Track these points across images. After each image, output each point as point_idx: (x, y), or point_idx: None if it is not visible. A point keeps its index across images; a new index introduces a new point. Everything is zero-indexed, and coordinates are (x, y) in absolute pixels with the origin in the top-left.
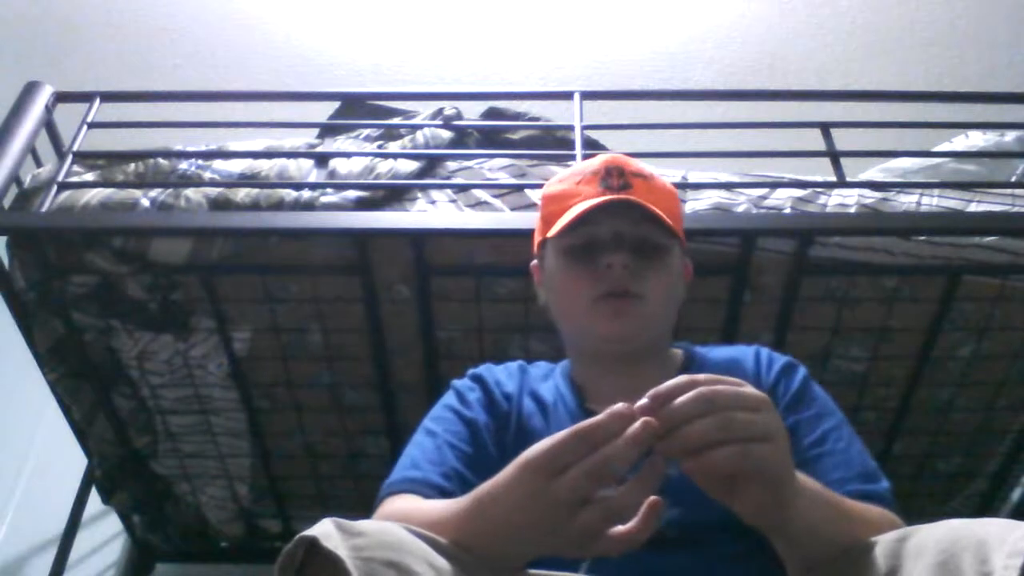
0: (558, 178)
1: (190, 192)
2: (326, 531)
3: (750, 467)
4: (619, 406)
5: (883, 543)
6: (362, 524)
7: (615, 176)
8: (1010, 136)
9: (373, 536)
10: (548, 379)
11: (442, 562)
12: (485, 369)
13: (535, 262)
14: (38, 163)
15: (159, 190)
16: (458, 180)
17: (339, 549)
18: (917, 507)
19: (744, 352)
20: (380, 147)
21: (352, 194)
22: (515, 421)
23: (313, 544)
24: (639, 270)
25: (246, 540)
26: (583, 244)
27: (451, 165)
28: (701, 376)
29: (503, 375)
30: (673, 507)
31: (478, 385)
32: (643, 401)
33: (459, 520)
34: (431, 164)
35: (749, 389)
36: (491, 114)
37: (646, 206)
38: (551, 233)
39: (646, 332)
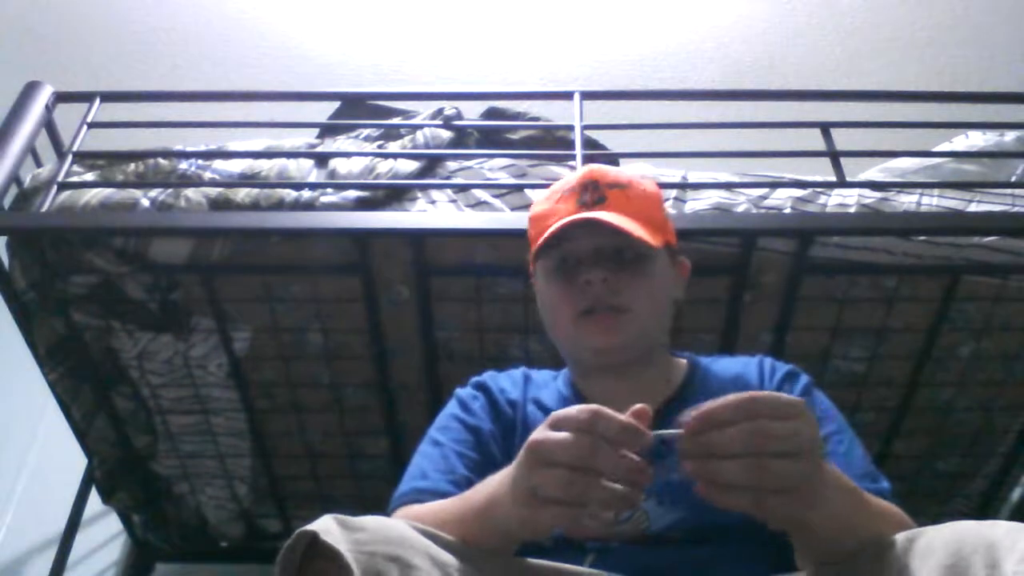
0: (544, 196)
1: (190, 192)
2: (326, 526)
3: (763, 514)
4: (641, 407)
5: (895, 543)
6: (363, 520)
7: (590, 191)
8: (1010, 136)
9: (374, 531)
10: (551, 387)
11: (445, 556)
12: (489, 376)
13: (533, 278)
14: (38, 163)
15: (159, 190)
16: (458, 180)
17: (340, 544)
18: (917, 507)
19: (748, 363)
20: (380, 147)
21: (352, 194)
22: (520, 428)
23: (314, 539)
24: (620, 281)
25: (246, 540)
26: (564, 261)
27: (451, 165)
28: (749, 400)
29: (507, 382)
30: (676, 510)
31: (481, 393)
32: (689, 415)
33: (462, 502)
34: (431, 164)
35: (802, 429)
36: (491, 114)
37: (609, 222)
38: (532, 254)
39: (636, 341)
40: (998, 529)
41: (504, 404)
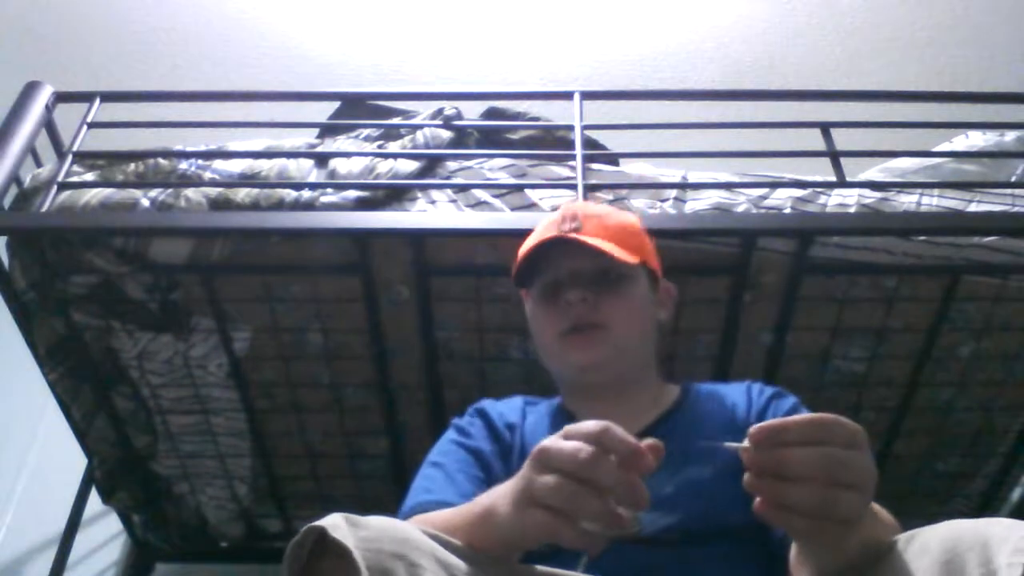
0: (531, 235)
1: (190, 192)
2: (334, 523)
3: (810, 538)
4: (655, 443)
5: (894, 545)
6: (370, 519)
7: (569, 220)
8: (1010, 136)
9: (380, 530)
10: (544, 412)
11: (450, 558)
12: (487, 403)
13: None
14: (38, 163)
15: (159, 190)
16: (458, 180)
17: (347, 539)
18: (917, 507)
19: (737, 388)
20: (380, 147)
21: (352, 194)
22: (517, 451)
23: (322, 535)
24: (600, 301)
25: (246, 540)
26: (546, 286)
27: (451, 165)
28: (822, 423)
29: (505, 407)
30: (668, 517)
31: (479, 418)
32: (758, 428)
33: (468, 508)
34: (431, 164)
35: (868, 460)
36: (491, 114)
37: (582, 240)
38: (515, 282)
39: (616, 359)
40: (993, 527)
41: (502, 428)
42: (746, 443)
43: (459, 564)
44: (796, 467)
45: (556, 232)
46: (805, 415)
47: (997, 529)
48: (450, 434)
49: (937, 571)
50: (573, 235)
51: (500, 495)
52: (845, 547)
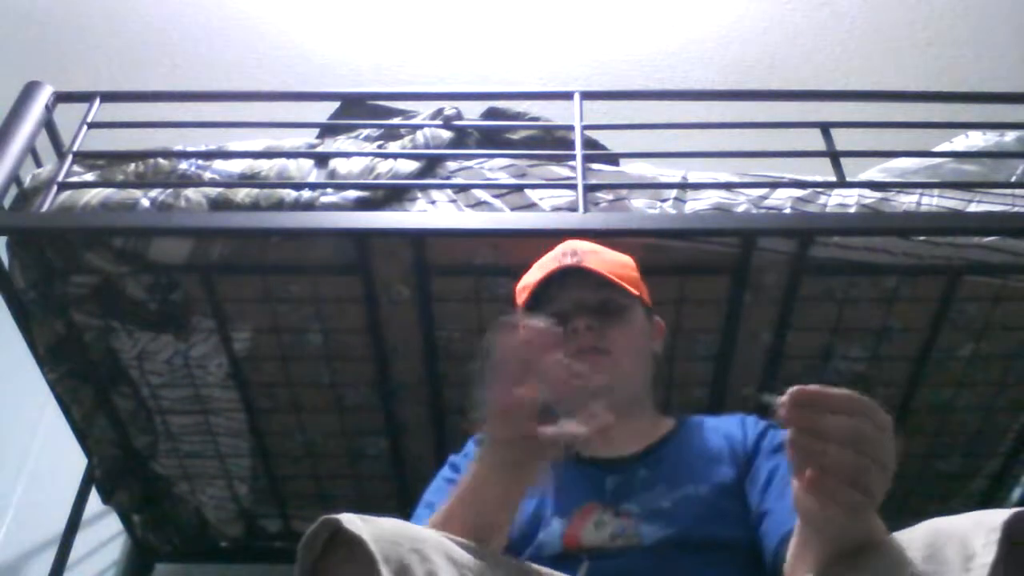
0: (532, 271)
1: (190, 192)
2: (349, 517)
3: (841, 514)
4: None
5: (880, 543)
6: (382, 519)
7: (569, 255)
8: (1010, 136)
9: (394, 526)
10: None
11: (458, 553)
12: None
13: None
14: (38, 163)
15: (159, 190)
16: (458, 180)
17: (361, 532)
18: (917, 507)
19: (731, 419)
20: (380, 147)
21: (352, 194)
22: None
23: (337, 528)
24: (603, 329)
25: (246, 540)
26: (550, 317)
27: (451, 165)
28: (856, 399)
29: None
30: (667, 528)
31: (476, 446)
32: (799, 389)
33: (448, 502)
34: (431, 164)
35: (891, 444)
36: (491, 114)
37: (589, 267)
38: (520, 312)
39: (620, 384)
40: (969, 518)
41: None
42: (784, 399)
43: (470, 561)
44: (830, 432)
45: (558, 265)
46: (845, 390)
47: (972, 520)
48: (443, 471)
49: (920, 563)
50: (579, 265)
51: (477, 465)
52: (856, 530)
